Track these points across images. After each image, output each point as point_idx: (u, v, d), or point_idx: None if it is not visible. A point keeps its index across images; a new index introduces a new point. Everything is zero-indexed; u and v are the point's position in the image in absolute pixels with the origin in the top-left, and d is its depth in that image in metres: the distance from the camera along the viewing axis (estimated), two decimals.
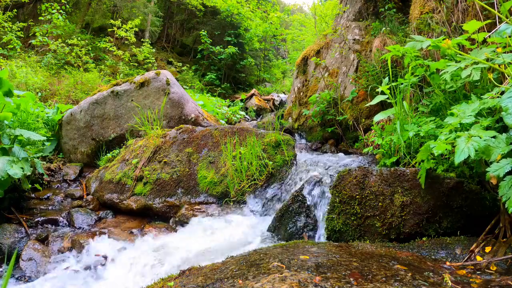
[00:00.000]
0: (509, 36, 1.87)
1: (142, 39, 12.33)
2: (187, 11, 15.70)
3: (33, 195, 3.48)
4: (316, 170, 3.16)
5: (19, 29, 9.32)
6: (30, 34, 10.18)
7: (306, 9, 21.78)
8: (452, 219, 1.95)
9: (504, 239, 1.68)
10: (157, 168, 3.46)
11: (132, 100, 4.55)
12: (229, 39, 13.90)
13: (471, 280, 1.37)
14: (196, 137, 3.67)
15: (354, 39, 5.11)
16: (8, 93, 3.16)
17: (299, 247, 1.72)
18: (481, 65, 1.89)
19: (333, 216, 2.16)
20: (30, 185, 3.39)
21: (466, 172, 2.03)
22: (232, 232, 2.52)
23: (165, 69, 6.40)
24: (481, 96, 1.93)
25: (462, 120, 1.77)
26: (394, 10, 4.72)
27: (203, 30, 13.60)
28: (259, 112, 10.16)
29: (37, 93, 6.77)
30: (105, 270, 2.29)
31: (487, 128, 1.72)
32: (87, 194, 3.67)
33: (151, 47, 12.19)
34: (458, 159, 1.56)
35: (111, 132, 4.57)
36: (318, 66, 5.57)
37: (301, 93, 5.98)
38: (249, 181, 3.11)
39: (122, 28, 10.83)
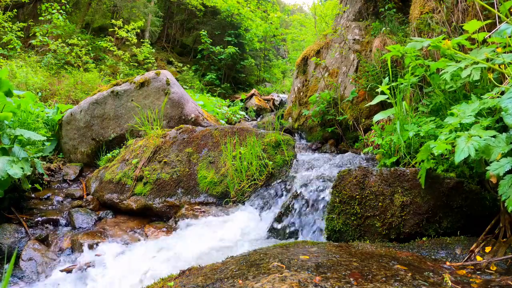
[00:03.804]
0: (509, 36, 1.87)
1: (142, 39, 12.33)
2: (187, 11, 15.70)
3: (33, 195, 3.48)
4: (316, 170, 3.17)
5: (19, 29, 9.31)
6: (30, 34, 10.18)
7: (306, 9, 21.79)
8: (452, 219, 1.95)
9: (504, 239, 1.68)
10: (157, 168, 3.46)
11: (132, 100, 4.55)
12: (229, 39, 13.89)
13: (471, 280, 1.37)
14: (196, 137, 3.67)
15: (354, 39, 5.11)
16: (8, 93, 3.16)
17: (299, 247, 1.72)
18: (481, 65, 1.89)
19: (333, 216, 2.16)
20: (30, 185, 3.39)
21: (466, 172, 2.03)
22: (232, 232, 2.52)
23: (165, 69, 6.40)
24: (481, 96, 1.93)
25: (462, 120, 1.77)
26: (394, 10, 4.72)
27: (203, 30, 13.60)
28: (259, 112, 10.16)
29: (37, 93, 6.77)
30: (105, 270, 2.29)
31: (487, 128, 1.72)
32: (87, 194, 3.67)
33: (151, 47, 12.19)
34: (458, 158, 1.56)
35: (111, 132, 4.57)
36: (318, 66, 5.57)
37: (301, 93, 5.98)
38: (249, 181, 3.11)
39: (123, 29, 10.84)
